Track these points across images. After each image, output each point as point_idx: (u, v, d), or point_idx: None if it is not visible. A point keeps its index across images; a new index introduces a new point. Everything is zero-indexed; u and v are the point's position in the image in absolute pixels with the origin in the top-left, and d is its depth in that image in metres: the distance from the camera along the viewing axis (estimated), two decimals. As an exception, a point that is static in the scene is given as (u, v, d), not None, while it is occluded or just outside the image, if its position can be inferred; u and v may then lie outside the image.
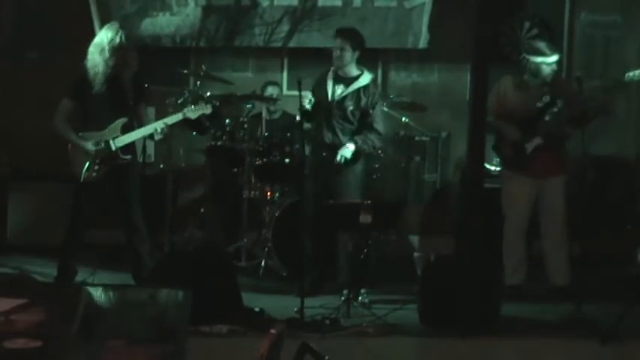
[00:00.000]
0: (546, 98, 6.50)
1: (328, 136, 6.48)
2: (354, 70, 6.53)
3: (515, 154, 6.60)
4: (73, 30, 8.01)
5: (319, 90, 6.53)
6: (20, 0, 8.33)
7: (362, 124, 6.54)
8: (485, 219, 6.14)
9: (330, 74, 6.52)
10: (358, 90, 6.49)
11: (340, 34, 6.53)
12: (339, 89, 6.49)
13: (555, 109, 6.47)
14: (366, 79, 6.54)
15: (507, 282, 6.59)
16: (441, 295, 5.83)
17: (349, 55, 6.45)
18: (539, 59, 6.46)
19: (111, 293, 3.61)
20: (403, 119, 7.90)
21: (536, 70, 6.48)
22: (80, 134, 6.27)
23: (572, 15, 8.27)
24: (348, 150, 6.44)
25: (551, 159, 6.53)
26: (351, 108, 6.47)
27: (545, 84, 6.52)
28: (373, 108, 6.55)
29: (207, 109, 6.52)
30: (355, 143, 6.47)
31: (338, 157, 6.42)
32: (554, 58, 6.49)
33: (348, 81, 6.51)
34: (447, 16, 8.10)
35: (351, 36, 6.52)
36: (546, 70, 6.48)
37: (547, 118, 6.49)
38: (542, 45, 6.61)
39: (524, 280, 6.67)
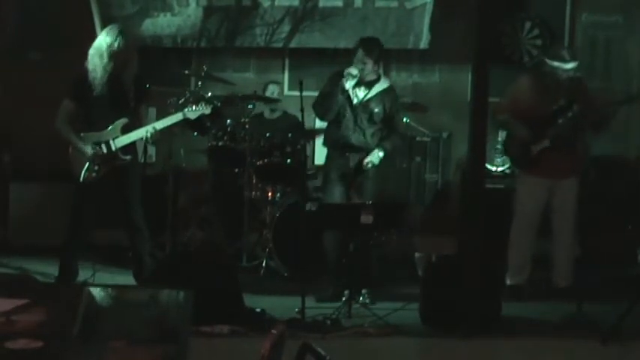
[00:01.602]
0: (561, 102, 6.49)
1: (355, 138, 6.43)
2: (372, 74, 6.48)
3: (521, 154, 6.62)
4: (73, 30, 8.01)
5: (338, 93, 6.38)
6: (21, 0, 8.34)
7: (388, 128, 6.51)
8: (486, 219, 6.15)
9: (347, 77, 6.35)
10: (381, 93, 6.47)
11: (364, 48, 6.38)
12: (362, 92, 6.42)
13: (570, 114, 6.45)
14: (385, 81, 6.55)
15: (509, 281, 6.60)
16: (442, 295, 5.83)
17: (371, 66, 6.39)
18: (556, 64, 6.47)
19: (112, 293, 3.61)
20: (404, 119, 7.90)
21: (552, 74, 6.49)
22: (81, 135, 6.26)
23: (574, 15, 8.26)
24: (377, 157, 6.40)
25: (563, 161, 6.53)
26: (376, 110, 6.43)
27: (560, 88, 6.50)
28: (397, 111, 6.62)
29: (207, 110, 6.52)
30: (385, 150, 6.45)
31: (365, 162, 6.39)
32: (571, 65, 6.46)
33: (367, 84, 6.43)
34: (448, 16, 8.09)
35: (373, 49, 6.41)
36: (562, 75, 6.47)
37: (560, 121, 6.48)
38: (563, 50, 6.65)
39: (527, 280, 6.68)
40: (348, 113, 6.41)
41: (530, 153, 6.54)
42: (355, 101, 6.42)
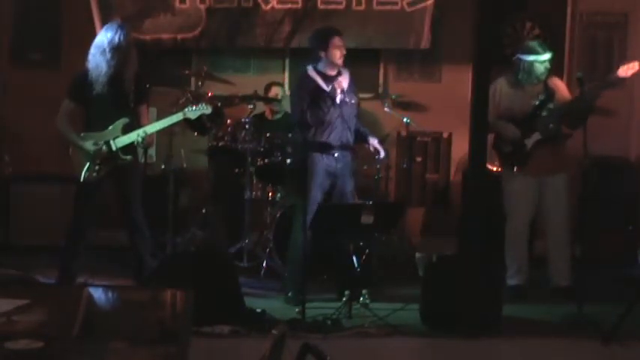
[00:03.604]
0: (542, 96, 6.54)
1: (345, 136, 6.41)
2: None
3: (515, 151, 6.62)
4: (74, 30, 8.03)
5: (322, 92, 6.30)
6: (21, 0, 8.34)
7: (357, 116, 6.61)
8: (487, 219, 6.14)
9: (316, 75, 6.35)
10: (350, 82, 6.43)
11: (338, 33, 6.39)
12: (338, 87, 6.31)
13: (551, 106, 6.52)
14: (345, 70, 6.45)
15: (509, 282, 6.60)
16: (442, 295, 5.83)
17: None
18: (531, 58, 6.53)
19: (112, 294, 3.62)
20: (405, 120, 7.90)
21: (529, 68, 6.55)
22: (82, 134, 6.26)
23: (574, 15, 8.27)
24: (380, 147, 6.56)
25: (551, 157, 6.57)
26: (353, 101, 6.45)
27: (539, 82, 6.57)
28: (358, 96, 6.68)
29: (207, 109, 6.52)
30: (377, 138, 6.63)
31: (383, 158, 6.65)
32: (546, 56, 6.55)
33: (334, 78, 6.35)
34: (449, 16, 8.10)
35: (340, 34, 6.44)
36: (539, 68, 6.54)
37: (544, 114, 6.53)
38: (534, 44, 6.67)
39: (526, 280, 6.68)
40: (335, 112, 6.33)
41: (525, 148, 6.55)
42: (338, 99, 6.31)
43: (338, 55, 6.33)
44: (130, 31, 6.39)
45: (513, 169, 6.67)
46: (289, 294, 6.35)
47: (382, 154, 6.62)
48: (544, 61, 6.54)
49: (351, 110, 6.44)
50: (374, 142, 6.57)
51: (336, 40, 6.34)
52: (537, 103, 6.54)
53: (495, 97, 6.61)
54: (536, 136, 6.53)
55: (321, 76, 6.36)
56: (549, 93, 6.56)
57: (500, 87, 6.67)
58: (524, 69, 6.57)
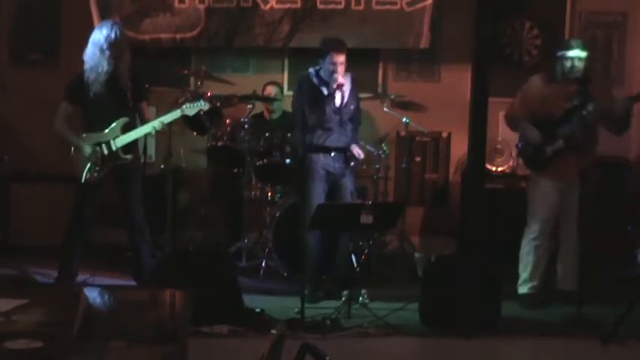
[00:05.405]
0: (576, 101, 6.22)
1: (342, 139, 6.45)
2: None
3: (535, 155, 6.41)
4: (74, 30, 8.02)
5: (321, 97, 6.37)
6: (21, 0, 8.34)
7: (354, 121, 6.60)
8: (487, 219, 6.14)
9: (317, 81, 6.40)
10: (352, 88, 6.50)
11: (338, 50, 6.36)
12: (338, 93, 6.39)
13: (584, 112, 6.18)
14: (348, 74, 6.50)
15: (520, 290, 6.46)
16: (442, 295, 5.83)
17: (345, 65, 6.40)
18: (559, 53, 6.31)
19: (112, 294, 3.62)
20: (404, 119, 7.90)
21: (559, 63, 6.30)
22: (82, 135, 6.27)
23: (573, 15, 8.26)
24: (360, 151, 6.49)
25: (576, 163, 6.24)
26: (352, 107, 6.49)
27: (566, 80, 6.28)
28: (360, 100, 6.72)
29: (205, 106, 6.52)
30: (359, 146, 6.57)
31: (359, 157, 6.47)
32: (574, 52, 6.26)
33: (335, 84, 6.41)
34: (448, 16, 8.10)
35: (342, 46, 6.42)
36: (566, 64, 6.25)
37: (573, 120, 6.23)
38: (570, 40, 6.56)
39: (539, 288, 6.47)
40: (333, 115, 6.40)
41: (545, 154, 6.33)
42: (338, 103, 6.39)
43: (330, 70, 6.34)
44: (123, 28, 6.41)
45: (537, 173, 6.47)
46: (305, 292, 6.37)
47: (357, 156, 6.54)
48: (572, 58, 6.23)
49: (349, 114, 6.49)
50: (354, 148, 6.52)
51: (333, 57, 6.33)
52: (570, 107, 6.24)
53: (526, 94, 6.43)
54: (559, 144, 6.26)
55: (321, 80, 6.41)
56: (585, 98, 6.17)
57: (536, 84, 6.44)
58: (555, 65, 6.31)
